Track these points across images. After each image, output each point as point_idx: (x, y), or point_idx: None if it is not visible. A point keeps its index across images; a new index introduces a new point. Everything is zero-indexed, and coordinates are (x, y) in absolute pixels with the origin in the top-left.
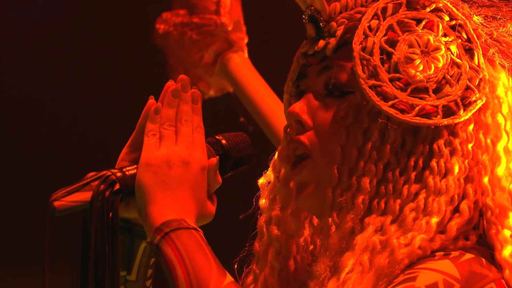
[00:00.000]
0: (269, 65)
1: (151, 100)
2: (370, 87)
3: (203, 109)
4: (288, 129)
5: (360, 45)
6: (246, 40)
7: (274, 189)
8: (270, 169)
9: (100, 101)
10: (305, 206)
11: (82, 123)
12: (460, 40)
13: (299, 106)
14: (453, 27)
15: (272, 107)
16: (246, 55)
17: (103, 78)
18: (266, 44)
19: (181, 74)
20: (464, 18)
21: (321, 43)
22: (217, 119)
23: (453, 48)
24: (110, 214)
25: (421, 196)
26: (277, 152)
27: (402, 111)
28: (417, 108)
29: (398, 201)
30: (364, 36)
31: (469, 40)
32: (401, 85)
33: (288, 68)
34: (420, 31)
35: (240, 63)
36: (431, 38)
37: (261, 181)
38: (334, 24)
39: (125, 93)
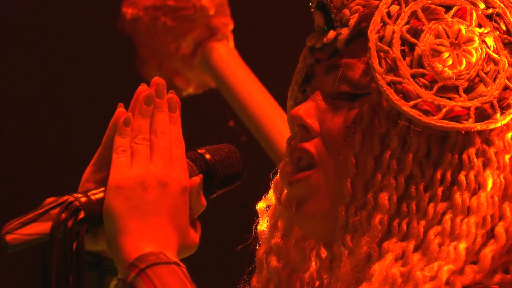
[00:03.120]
0: (260, 56)
1: (120, 109)
2: (388, 84)
3: (181, 113)
4: (292, 141)
5: (377, 34)
6: (231, 27)
7: (275, 214)
8: (271, 190)
9: (56, 109)
10: (307, 228)
11: (36, 135)
12: (498, 32)
13: (303, 109)
14: (489, 17)
15: (264, 108)
16: (231, 44)
17: (57, 78)
18: (256, 31)
19: (154, 67)
20: (503, 6)
21: (331, 34)
22: (198, 124)
23: (490, 41)
24: (74, 248)
25: (447, 217)
26: (278, 169)
27: (426, 113)
28: (444, 110)
29: (422, 222)
30: (382, 24)
31: (509, 32)
32: (425, 82)
33: (284, 61)
34: (450, 19)
35: (225, 54)
36: (463, 28)
37: (260, 205)
38: (346, 11)
39: (86, 98)
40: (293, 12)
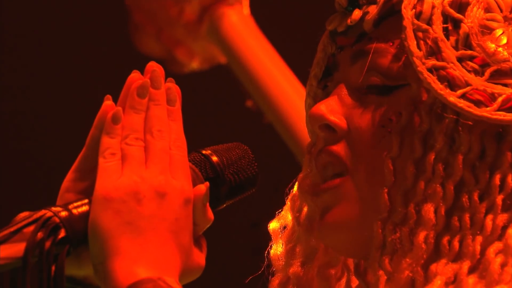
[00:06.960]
0: (280, 26)
1: (107, 102)
2: (430, 70)
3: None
4: (313, 148)
5: (413, 10)
6: None
7: (293, 237)
8: (287, 206)
9: (23, 100)
10: (332, 241)
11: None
12: None
13: (326, 105)
14: None
15: (284, 90)
16: (246, 10)
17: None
18: None
19: (150, 35)
20: None
21: (356, 14)
22: (202, 116)
23: None
24: (53, 274)
25: (510, 231)
26: (297, 182)
27: (477, 103)
28: (500, 99)
29: (479, 238)
30: None
31: None
32: (475, 66)
33: (312, 34)
34: None
35: (237, 22)
36: None
37: (272, 225)
38: None
39: (67, 87)
40: None
